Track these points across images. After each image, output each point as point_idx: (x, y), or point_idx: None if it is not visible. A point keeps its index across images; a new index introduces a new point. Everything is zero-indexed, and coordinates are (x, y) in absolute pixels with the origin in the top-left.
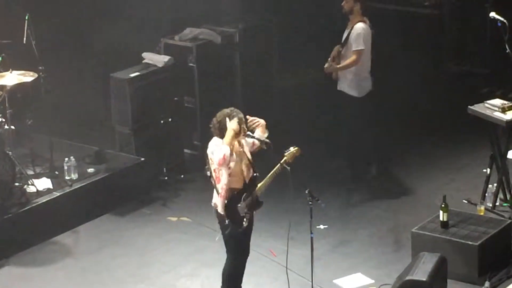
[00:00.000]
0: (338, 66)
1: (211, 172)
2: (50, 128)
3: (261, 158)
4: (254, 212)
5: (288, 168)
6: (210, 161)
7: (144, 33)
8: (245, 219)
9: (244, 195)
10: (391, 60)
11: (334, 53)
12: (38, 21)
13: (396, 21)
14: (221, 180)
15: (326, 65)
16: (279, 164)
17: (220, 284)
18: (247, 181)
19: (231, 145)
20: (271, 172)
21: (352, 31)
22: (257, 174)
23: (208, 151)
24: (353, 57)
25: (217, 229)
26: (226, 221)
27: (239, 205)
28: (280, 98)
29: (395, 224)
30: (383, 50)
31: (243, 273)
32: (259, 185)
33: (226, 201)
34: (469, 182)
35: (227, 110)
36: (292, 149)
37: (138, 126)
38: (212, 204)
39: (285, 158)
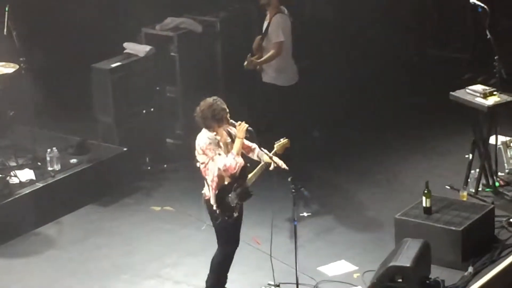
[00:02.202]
0: (259, 60)
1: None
2: (32, 119)
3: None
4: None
5: (271, 156)
6: (197, 153)
7: (125, 23)
8: (235, 210)
9: (234, 185)
10: (373, 46)
11: (255, 45)
12: (18, 12)
13: (377, 7)
14: (210, 173)
15: (245, 63)
16: (268, 155)
17: (205, 272)
18: (237, 172)
19: (238, 152)
20: (261, 164)
21: (271, 23)
22: (248, 164)
23: (197, 142)
24: (274, 50)
25: (201, 218)
26: (217, 211)
27: (229, 195)
28: (262, 87)
29: (378, 211)
30: (365, 36)
31: (231, 262)
32: (249, 175)
33: (216, 192)
34: (451, 168)
35: (210, 100)
36: (282, 140)
37: (120, 116)
38: (202, 193)
39: (275, 149)
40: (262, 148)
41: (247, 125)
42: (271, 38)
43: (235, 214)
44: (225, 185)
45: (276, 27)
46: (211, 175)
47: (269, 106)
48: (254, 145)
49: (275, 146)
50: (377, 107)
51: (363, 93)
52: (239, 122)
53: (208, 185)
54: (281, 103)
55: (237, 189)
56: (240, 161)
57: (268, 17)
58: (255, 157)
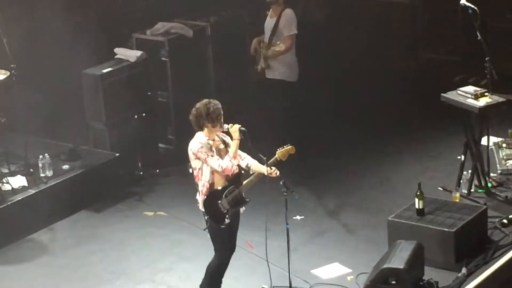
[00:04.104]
0: (277, 49)
1: (192, 169)
2: (24, 126)
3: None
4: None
5: (265, 159)
6: (190, 158)
7: (115, 28)
8: (227, 216)
9: (226, 191)
10: (364, 49)
11: (256, 45)
12: (8, 19)
13: (369, 10)
14: (203, 178)
15: (261, 65)
16: (268, 163)
17: (199, 277)
18: (230, 177)
19: (234, 154)
20: (257, 172)
21: (282, 18)
22: (243, 171)
23: (190, 148)
24: (288, 42)
25: (194, 222)
26: (205, 217)
27: (219, 201)
28: (253, 91)
29: (371, 213)
30: (355, 39)
31: (226, 268)
32: (244, 182)
33: (205, 197)
34: (443, 169)
35: (205, 100)
36: (285, 146)
37: (112, 122)
38: (196, 199)
39: (276, 156)
40: (261, 155)
41: (239, 126)
42: (282, 33)
43: (227, 221)
44: (215, 190)
45: (288, 21)
46: (202, 181)
47: (277, 103)
48: (244, 155)
49: (277, 152)
50: (368, 110)
51: (354, 96)
52: (231, 124)
53: (199, 191)
54: (290, 99)
55: (229, 195)
56: (237, 163)
57: (271, 14)
58: (243, 166)
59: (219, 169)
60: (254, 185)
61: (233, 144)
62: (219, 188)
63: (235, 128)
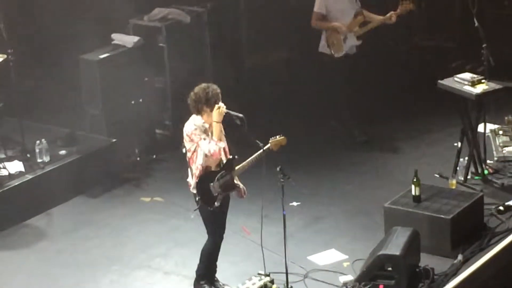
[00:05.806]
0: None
1: (186, 150)
2: (20, 111)
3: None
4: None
5: (262, 145)
6: (184, 140)
7: (112, 14)
8: (217, 199)
9: (218, 174)
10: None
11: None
12: (5, 4)
13: None
14: (197, 161)
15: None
16: (261, 150)
17: (195, 262)
18: (223, 161)
19: (219, 137)
20: (252, 157)
21: None
22: (236, 156)
23: (184, 129)
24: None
25: (190, 208)
26: (196, 198)
27: (211, 184)
28: (249, 77)
29: (368, 200)
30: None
31: (219, 250)
32: (236, 167)
33: (198, 179)
34: (440, 156)
35: (204, 84)
36: (278, 137)
37: (109, 108)
38: (187, 181)
39: (269, 145)
40: (258, 141)
41: (225, 109)
42: (355, 6)
43: (217, 204)
44: (208, 173)
45: None
46: (196, 163)
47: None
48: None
49: (270, 142)
50: (364, 97)
51: (350, 83)
52: (217, 105)
53: (192, 174)
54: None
55: (221, 179)
56: (223, 145)
57: None
58: None
59: (208, 154)
60: (245, 171)
61: (215, 127)
62: (212, 171)
63: (220, 111)
